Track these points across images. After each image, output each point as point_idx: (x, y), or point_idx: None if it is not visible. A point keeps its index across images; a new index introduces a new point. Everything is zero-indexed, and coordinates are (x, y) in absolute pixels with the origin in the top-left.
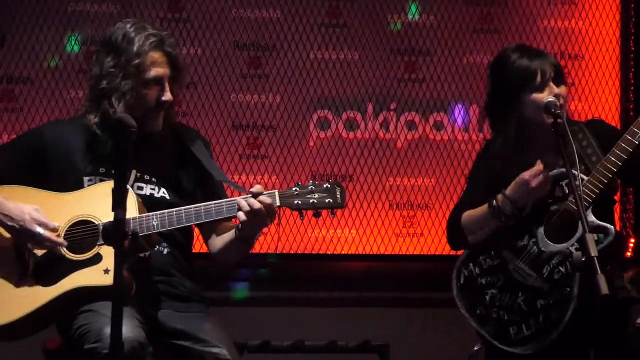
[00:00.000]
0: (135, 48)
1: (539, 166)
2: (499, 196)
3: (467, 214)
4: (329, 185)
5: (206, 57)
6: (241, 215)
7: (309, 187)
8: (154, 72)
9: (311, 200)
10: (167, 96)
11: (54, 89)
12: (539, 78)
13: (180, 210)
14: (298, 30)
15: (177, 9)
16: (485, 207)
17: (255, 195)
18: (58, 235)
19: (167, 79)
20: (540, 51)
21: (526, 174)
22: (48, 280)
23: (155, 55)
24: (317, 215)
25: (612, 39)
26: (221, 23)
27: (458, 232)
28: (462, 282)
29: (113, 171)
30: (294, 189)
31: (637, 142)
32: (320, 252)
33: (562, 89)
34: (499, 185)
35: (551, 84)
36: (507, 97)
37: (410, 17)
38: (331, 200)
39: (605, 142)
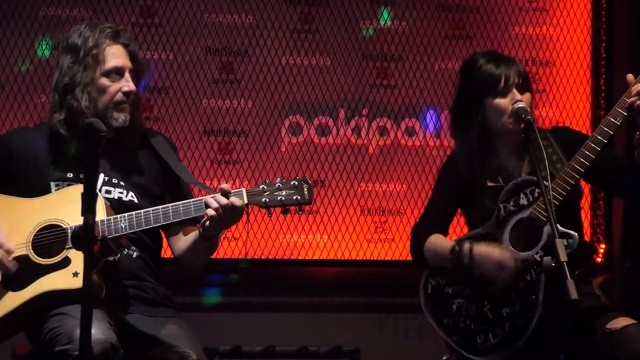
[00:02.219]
0: (91, 41)
1: (515, 261)
2: (466, 245)
3: (430, 244)
4: (296, 182)
5: (178, 62)
6: (210, 211)
7: (277, 185)
8: (113, 62)
9: (279, 198)
10: (130, 86)
11: (24, 93)
12: (502, 84)
13: (148, 211)
14: (270, 36)
15: (149, 14)
16: (448, 247)
17: (223, 193)
18: (13, 259)
19: (129, 72)
20: (508, 58)
21: (498, 255)
22: (17, 285)
23: (114, 47)
24: (285, 212)
25: (584, 46)
26: (193, 28)
27: (421, 253)
28: (429, 292)
29: (81, 176)
30: (261, 186)
31: (599, 149)
32: (292, 257)
33: (526, 97)
34: (462, 193)
35: (514, 90)
36: (471, 101)
37: (382, 23)
38: (299, 197)
39: (572, 149)
